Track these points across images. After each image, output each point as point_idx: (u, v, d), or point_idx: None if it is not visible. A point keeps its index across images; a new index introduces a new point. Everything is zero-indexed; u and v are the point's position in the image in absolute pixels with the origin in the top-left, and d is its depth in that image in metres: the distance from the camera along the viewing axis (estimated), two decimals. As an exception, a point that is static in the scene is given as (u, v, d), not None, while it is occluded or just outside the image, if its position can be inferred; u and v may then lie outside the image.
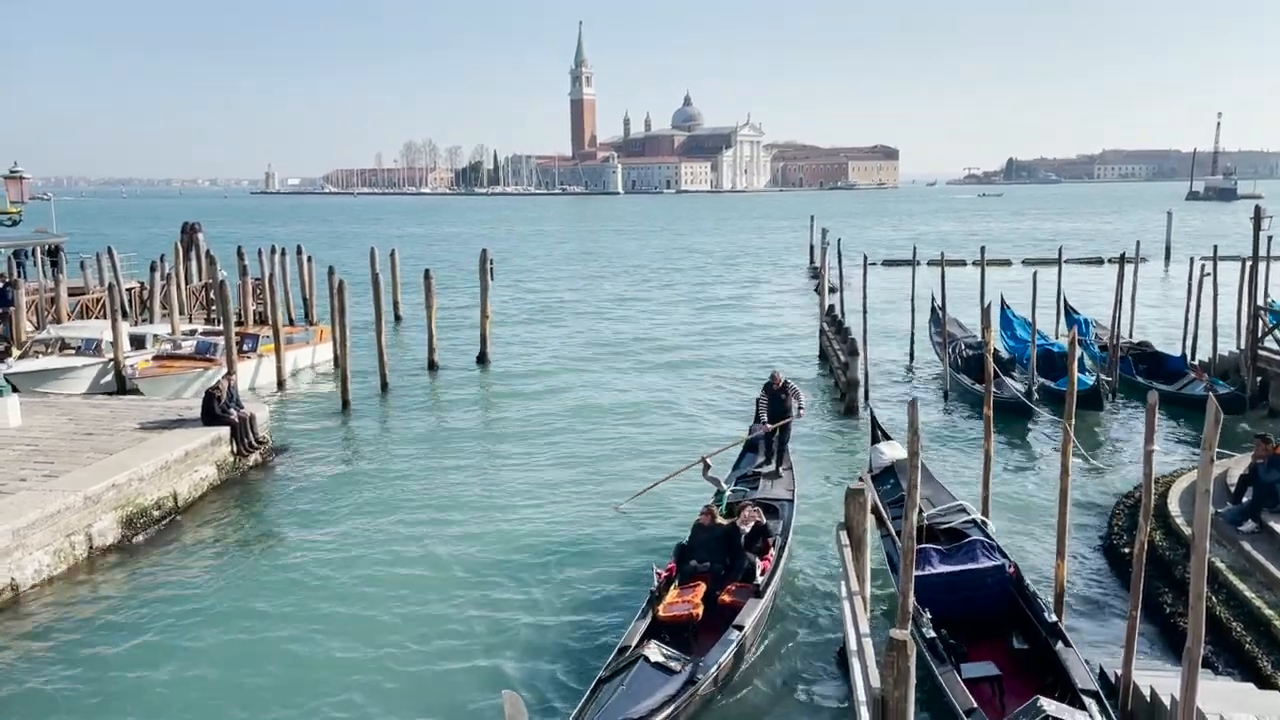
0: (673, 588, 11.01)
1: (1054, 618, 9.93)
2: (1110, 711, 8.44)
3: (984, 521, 12.54)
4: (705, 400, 23.90)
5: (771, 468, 15.15)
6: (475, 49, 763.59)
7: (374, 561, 13.80)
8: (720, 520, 11.96)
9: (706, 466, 13.90)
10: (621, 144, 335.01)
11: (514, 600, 12.55)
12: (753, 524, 12.06)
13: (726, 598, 10.88)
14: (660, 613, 10.45)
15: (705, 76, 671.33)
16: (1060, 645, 9.46)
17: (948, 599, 10.50)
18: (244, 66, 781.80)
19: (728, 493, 13.56)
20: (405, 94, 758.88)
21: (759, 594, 10.87)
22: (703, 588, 10.94)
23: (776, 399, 15.57)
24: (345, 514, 15.82)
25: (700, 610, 10.54)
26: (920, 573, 10.62)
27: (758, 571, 11.26)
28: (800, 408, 15.54)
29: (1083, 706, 8.35)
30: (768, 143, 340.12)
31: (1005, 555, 11.24)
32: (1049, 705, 7.99)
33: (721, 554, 11.46)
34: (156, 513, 15.38)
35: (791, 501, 13.89)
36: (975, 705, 8.57)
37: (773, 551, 11.88)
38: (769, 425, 15.27)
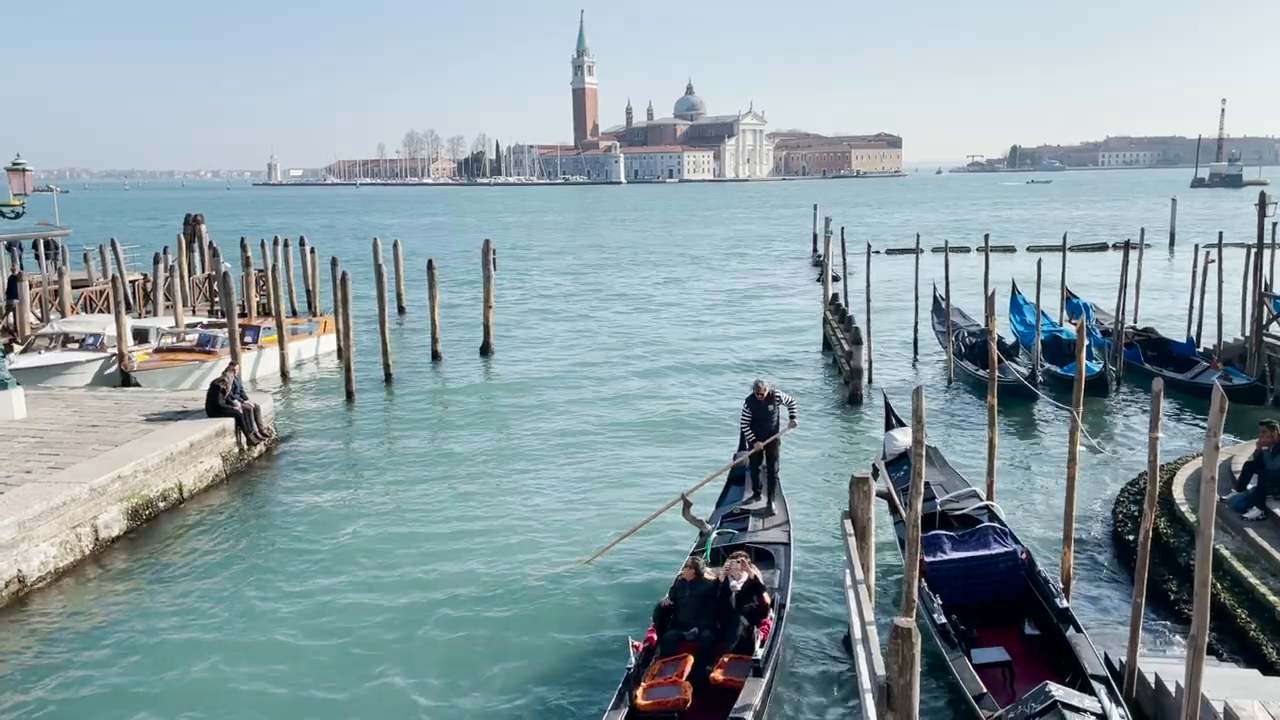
0: (653, 661, 9.43)
1: (1065, 604, 9.94)
2: (1119, 696, 8.45)
3: (996, 509, 12.55)
4: (706, 393, 23.80)
5: (762, 503, 13.06)
6: (477, 38, 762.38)
7: (370, 557, 13.73)
8: (706, 575, 10.12)
9: (687, 505, 12.23)
10: (624, 133, 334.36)
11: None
12: (744, 579, 10.06)
13: (719, 675, 9.16)
14: (639, 700, 8.75)
15: (707, 65, 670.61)
16: (1071, 631, 9.47)
17: (960, 585, 10.52)
18: (245, 57, 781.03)
19: (713, 536, 11.86)
20: (407, 84, 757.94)
21: (759, 671, 9.07)
22: (690, 661, 9.29)
23: (762, 411, 13.35)
24: (348, 506, 15.85)
25: (689, 694, 8.83)
26: (932, 558, 10.65)
27: (756, 640, 9.51)
28: (793, 416, 13.52)
29: (1092, 692, 8.35)
30: (770, 131, 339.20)
31: (1018, 542, 11.25)
32: (1057, 690, 8.01)
33: (710, 617, 9.79)
34: (162, 504, 15.41)
35: (788, 545, 11.91)
36: (985, 690, 8.60)
37: (771, 615, 10.00)
38: (758, 443, 13.17)
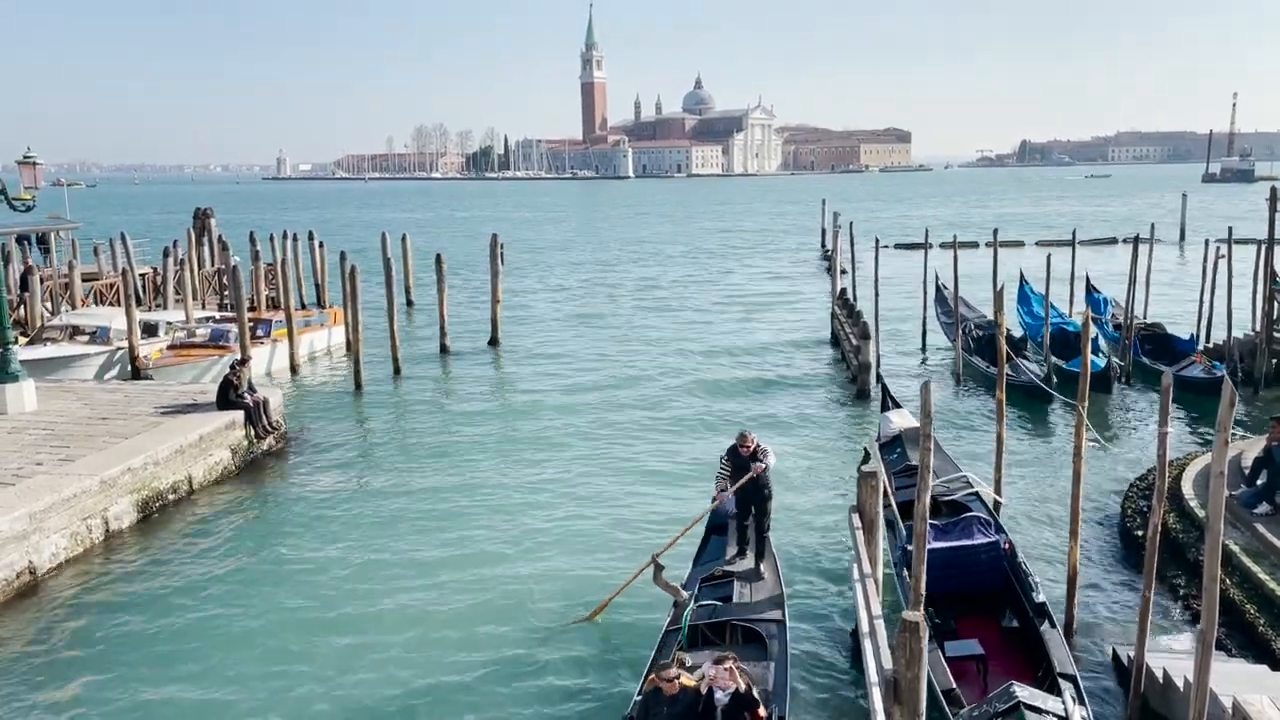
0: None
1: (1042, 598, 9.97)
2: (1084, 696, 8.51)
3: (997, 500, 12.52)
4: (710, 393, 23.50)
5: (748, 562, 11.04)
6: (486, 32, 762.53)
7: (374, 553, 13.71)
8: (688, 681, 7.98)
9: (658, 569, 10.44)
10: (632, 127, 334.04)
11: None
12: (732, 690, 7.91)
13: None
14: None
15: (716, 59, 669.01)
16: (1045, 626, 9.52)
17: (940, 574, 10.49)
18: (254, 51, 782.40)
19: (690, 609, 9.94)
20: (416, 78, 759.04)
21: None
22: None
23: (746, 469, 11.32)
24: (355, 500, 15.89)
25: None
26: (912, 546, 10.63)
27: None
28: (766, 465, 11.26)
29: (1059, 690, 8.41)
30: (779, 126, 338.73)
31: (1002, 531, 11.24)
32: (1021, 691, 8.05)
33: None
34: (172, 496, 15.49)
35: (782, 624, 9.72)
36: (954, 685, 8.65)
37: None
38: (729, 488, 11.27)
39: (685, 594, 10.33)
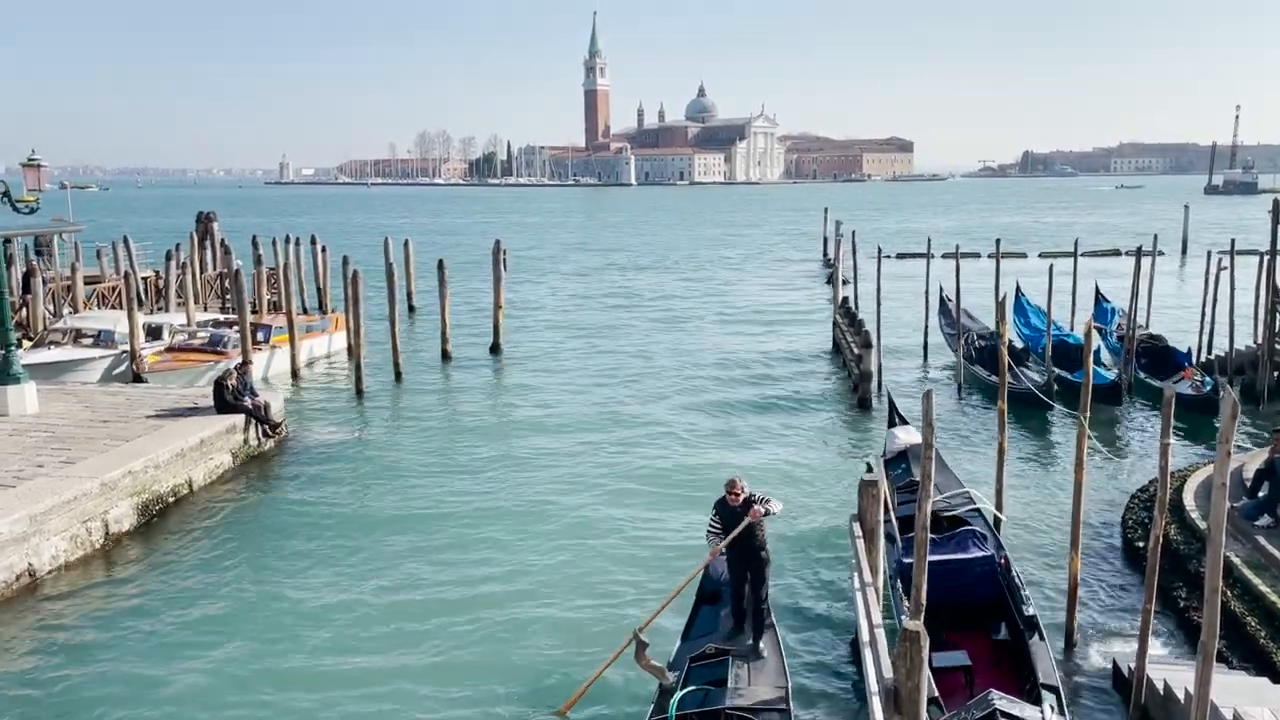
0: None
1: (1033, 611, 10.00)
2: (1064, 707, 8.54)
3: (998, 517, 12.51)
4: (710, 401, 23.53)
5: (746, 640, 9.64)
6: (490, 39, 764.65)
7: (372, 558, 13.69)
8: None
9: (642, 646, 8.97)
10: (635, 135, 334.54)
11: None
12: None
13: None
14: None
15: (719, 67, 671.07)
16: (1034, 639, 9.54)
17: (933, 587, 10.47)
18: (258, 56, 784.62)
19: (677, 698, 8.48)
20: (419, 84, 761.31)
21: None
22: None
23: (734, 520, 9.88)
24: (357, 504, 15.87)
25: None
26: (909, 559, 10.63)
27: None
28: (768, 511, 9.77)
29: (1040, 701, 8.45)
30: (781, 134, 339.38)
31: (999, 546, 11.26)
32: (999, 700, 8.07)
33: None
34: (172, 499, 15.49)
35: (786, 712, 8.48)
36: (936, 694, 8.64)
37: None
38: (717, 544, 9.84)
39: (671, 676, 9.00)
